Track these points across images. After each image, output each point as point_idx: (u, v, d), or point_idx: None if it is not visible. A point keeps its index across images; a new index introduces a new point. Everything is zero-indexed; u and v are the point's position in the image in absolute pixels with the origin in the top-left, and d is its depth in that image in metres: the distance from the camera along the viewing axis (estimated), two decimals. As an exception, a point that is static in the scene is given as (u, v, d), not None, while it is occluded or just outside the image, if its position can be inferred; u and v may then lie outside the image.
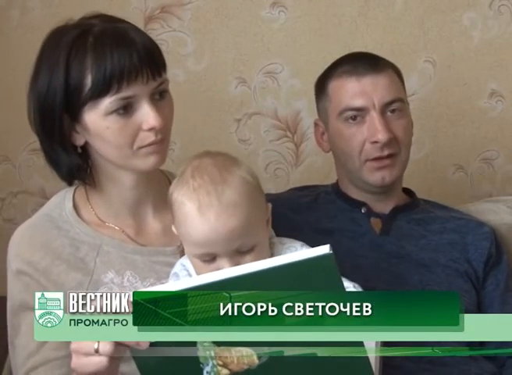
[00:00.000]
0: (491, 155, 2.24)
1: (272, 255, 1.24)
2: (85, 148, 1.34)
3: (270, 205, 1.26)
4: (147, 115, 1.26)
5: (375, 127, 1.57)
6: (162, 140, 1.29)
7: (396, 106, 1.60)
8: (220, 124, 2.12)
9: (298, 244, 1.27)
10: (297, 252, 1.08)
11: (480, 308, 1.60)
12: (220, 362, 1.04)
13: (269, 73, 2.12)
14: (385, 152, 1.59)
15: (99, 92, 1.24)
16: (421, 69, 2.13)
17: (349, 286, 1.20)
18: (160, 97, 1.29)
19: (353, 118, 1.59)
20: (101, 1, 1.93)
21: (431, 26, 2.15)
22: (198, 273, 1.22)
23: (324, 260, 1.01)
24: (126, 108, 1.26)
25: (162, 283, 1.34)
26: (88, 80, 1.24)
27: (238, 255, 1.18)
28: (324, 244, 1.55)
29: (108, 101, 1.25)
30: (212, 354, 1.03)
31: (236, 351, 1.04)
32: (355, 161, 1.61)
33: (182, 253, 1.37)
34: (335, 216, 1.65)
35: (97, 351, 1.06)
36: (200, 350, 1.03)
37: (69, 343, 1.24)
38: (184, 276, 1.25)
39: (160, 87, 1.29)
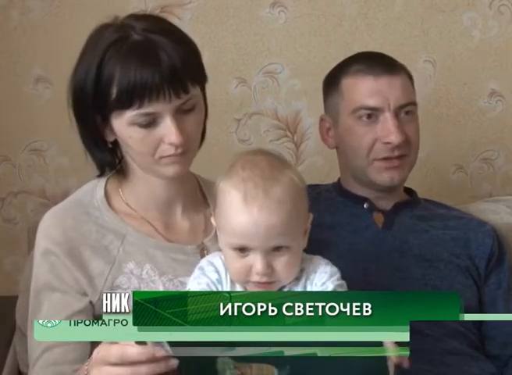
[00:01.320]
0: (491, 155, 2.24)
1: (302, 269, 1.24)
2: (118, 142, 1.36)
3: (311, 216, 1.27)
4: (168, 131, 1.28)
5: (389, 129, 1.57)
6: (183, 152, 1.30)
7: (409, 109, 1.61)
8: (220, 124, 2.11)
9: (323, 261, 1.26)
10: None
11: (481, 306, 1.60)
12: (238, 372, 1.02)
13: (269, 73, 2.12)
14: (396, 153, 1.59)
15: (122, 105, 1.27)
16: (421, 69, 2.13)
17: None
18: (186, 111, 1.30)
19: (368, 116, 1.59)
20: (101, 1, 1.92)
21: (431, 26, 2.15)
22: (229, 266, 1.22)
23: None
24: (149, 122, 1.28)
25: (179, 280, 1.35)
26: (114, 91, 1.27)
27: (272, 254, 1.17)
28: (326, 238, 1.56)
29: (130, 115, 1.27)
30: (231, 366, 1.02)
31: (256, 368, 1.03)
32: (363, 159, 1.61)
33: (202, 253, 1.39)
34: (337, 211, 1.65)
35: None
36: (218, 363, 1.02)
37: None
38: (211, 272, 1.24)
39: (186, 103, 1.29)
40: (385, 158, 1.60)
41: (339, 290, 1.21)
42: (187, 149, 1.31)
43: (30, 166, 2.07)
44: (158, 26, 1.33)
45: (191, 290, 1.22)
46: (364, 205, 1.65)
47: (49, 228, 1.35)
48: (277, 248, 1.18)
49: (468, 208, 1.85)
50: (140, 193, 1.40)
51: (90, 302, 1.31)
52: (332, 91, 1.67)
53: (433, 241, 1.61)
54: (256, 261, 1.17)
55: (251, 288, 1.20)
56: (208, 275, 1.23)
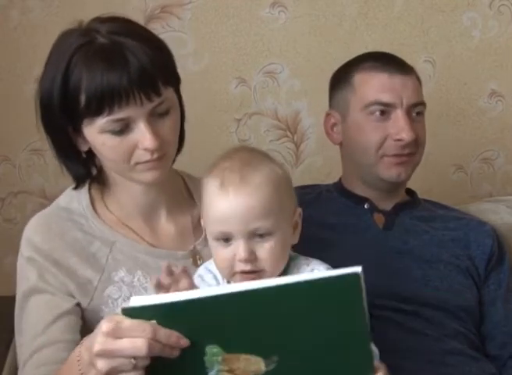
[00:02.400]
0: (491, 155, 2.24)
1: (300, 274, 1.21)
2: (92, 151, 1.33)
3: (300, 210, 1.25)
4: (142, 136, 1.24)
5: (401, 126, 1.58)
6: (160, 157, 1.27)
7: (420, 109, 1.62)
8: (220, 124, 2.11)
9: (322, 266, 1.24)
10: (324, 272, 1.04)
11: (481, 306, 1.60)
12: (226, 368, 1.02)
13: (269, 73, 2.12)
14: (406, 151, 1.60)
15: (92, 112, 1.23)
16: (421, 69, 2.12)
17: None
18: (161, 115, 1.27)
19: (381, 113, 1.59)
20: (101, 1, 1.92)
21: (431, 26, 2.15)
22: (215, 260, 1.21)
23: (349, 280, 0.97)
24: (122, 128, 1.24)
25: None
26: (83, 98, 1.23)
27: (254, 238, 1.17)
28: (327, 238, 1.56)
29: (101, 122, 1.23)
30: (219, 359, 1.01)
31: (244, 359, 1.01)
32: (371, 155, 1.61)
33: (194, 257, 1.38)
34: (337, 212, 1.65)
35: (135, 367, 1.01)
36: (208, 354, 1.01)
37: (75, 327, 1.26)
38: (210, 279, 1.24)
39: (159, 106, 1.26)
40: (396, 155, 1.60)
41: None
42: (164, 154, 1.28)
43: (30, 166, 2.07)
44: (124, 27, 1.28)
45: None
46: (365, 206, 1.65)
47: (33, 236, 1.34)
48: (260, 235, 1.17)
49: (468, 208, 1.85)
50: (121, 201, 1.38)
51: (78, 305, 1.31)
52: (342, 85, 1.67)
53: (433, 241, 1.61)
54: (238, 247, 1.16)
55: (238, 280, 1.19)
56: (207, 282, 1.23)
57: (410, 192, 1.74)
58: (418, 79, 1.67)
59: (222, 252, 1.18)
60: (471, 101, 2.20)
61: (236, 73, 2.10)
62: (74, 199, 1.39)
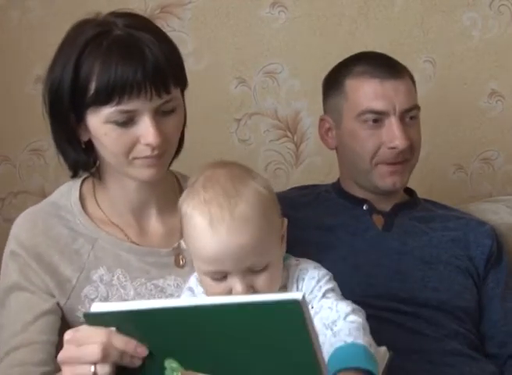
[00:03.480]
0: (491, 155, 2.24)
1: (289, 277, 1.19)
2: (91, 143, 1.34)
3: (286, 221, 1.22)
4: (145, 130, 1.25)
5: (394, 133, 1.57)
6: (160, 155, 1.28)
7: (413, 113, 1.61)
8: (220, 124, 2.11)
9: (311, 265, 1.21)
10: (265, 295, 0.97)
11: (480, 305, 1.60)
12: None
13: (269, 73, 2.12)
14: (400, 158, 1.59)
15: (100, 101, 1.24)
16: (421, 69, 2.13)
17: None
18: (166, 113, 1.28)
19: (375, 121, 1.58)
20: (101, 1, 1.92)
21: (431, 26, 2.15)
22: (207, 292, 1.18)
23: (290, 307, 0.92)
24: (126, 120, 1.25)
25: (153, 283, 1.35)
26: (93, 86, 1.24)
27: (250, 274, 1.13)
28: (325, 239, 1.56)
29: (108, 111, 1.24)
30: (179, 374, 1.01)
31: None
32: (366, 163, 1.61)
33: (177, 256, 1.37)
34: (336, 213, 1.65)
35: (95, 374, 1.01)
36: (167, 369, 1.00)
37: (53, 327, 1.27)
38: (201, 294, 1.21)
39: (166, 104, 1.27)
40: (389, 163, 1.59)
41: (329, 295, 1.16)
42: (164, 152, 1.29)
43: (30, 166, 2.07)
44: (140, 23, 1.30)
45: None
46: (364, 207, 1.65)
47: (19, 230, 1.35)
48: (254, 267, 1.12)
49: (468, 208, 1.85)
50: (113, 197, 1.38)
51: (58, 304, 1.31)
52: (334, 91, 1.66)
53: (432, 242, 1.61)
54: (235, 284, 1.12)
55: None
56: (197, 296, 1.21)
57: (409, 191, 1.74)
58: (412, 78, 1.65)
59: (217, 287, 1.14)
60: (471, 101, 2.20)
61: (236, 73, 2.10)
62: (64, 195, 1.39)
